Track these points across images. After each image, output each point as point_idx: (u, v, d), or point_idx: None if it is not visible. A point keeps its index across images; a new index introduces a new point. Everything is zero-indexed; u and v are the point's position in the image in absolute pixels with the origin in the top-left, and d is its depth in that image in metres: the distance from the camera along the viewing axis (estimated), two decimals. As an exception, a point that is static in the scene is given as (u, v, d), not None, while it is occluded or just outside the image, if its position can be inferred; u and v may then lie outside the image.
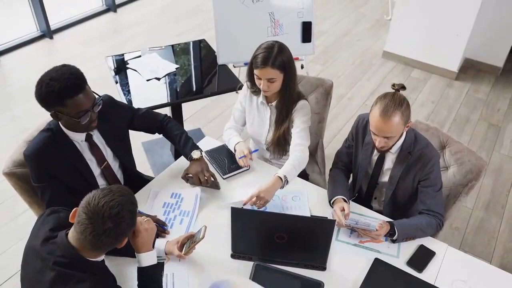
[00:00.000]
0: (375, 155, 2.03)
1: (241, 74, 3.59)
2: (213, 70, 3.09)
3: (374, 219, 1.89)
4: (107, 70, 3.03)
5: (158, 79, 2.85)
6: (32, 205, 1.98)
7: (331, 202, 1.98)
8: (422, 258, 1.81)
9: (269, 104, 2.21)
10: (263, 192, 1.87)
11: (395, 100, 1.77)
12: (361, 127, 2.07)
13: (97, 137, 1.92)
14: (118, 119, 2.01)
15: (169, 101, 2.75)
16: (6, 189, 2.18)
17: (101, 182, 1.98)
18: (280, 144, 2.22)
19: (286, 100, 2.13)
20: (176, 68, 2.95)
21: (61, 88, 1.63)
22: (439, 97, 4.40)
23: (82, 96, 1.68)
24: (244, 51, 3.24)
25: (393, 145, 1.91)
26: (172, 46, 3.24)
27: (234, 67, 3.43)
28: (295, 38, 3.30)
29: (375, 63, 4.90)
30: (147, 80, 2.83)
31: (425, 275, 1.75)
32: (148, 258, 1.52)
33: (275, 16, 3.19)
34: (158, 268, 1.55)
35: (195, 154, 2.05)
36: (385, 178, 2.04)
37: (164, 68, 2.93)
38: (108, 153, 1.98)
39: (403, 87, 1.84)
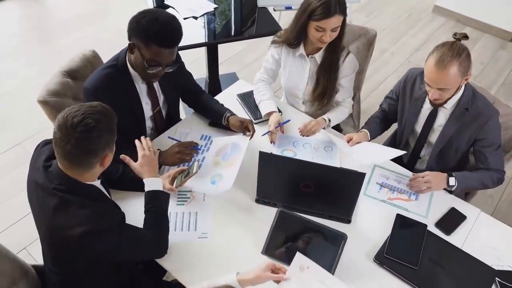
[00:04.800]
0: (427, 110, 1.92)
1: (281, 19, 3.46)
2: (252, 13, 2.98)
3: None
4: (145, 5, 2.98)
5: (196, 18, 2.77)
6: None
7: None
8: (452, 221, 1.75)
9: (309, 56, 2.10)
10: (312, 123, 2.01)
11: (454, 49, 1.66)
12: (409, 82, 1.97)
13: (155, 82, 1.90)
14: (177, 71, 1.93)
15: (206, 41, 2.69)
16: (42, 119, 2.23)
17: (149, 124, 1.99)
18: (323, 96, 2.12)
19: (333, 50, 2.03)
20: (215, 8, 2.86)
21: (159, 32, 1.61)
22: (490, 58, 4.13)
23: (167, 52, 1.66)
24: (286, -6, 3.11)
25: (449, 99, 1.82)
26: (212, -16, 3.13)
27: (274, 10, 3.30)
28: (341, -17, 3.11)
29: (424, 18, 4.63)
30: (184, 19, 2.75)
31: (453, 238, 1.70)
32: (150, 183, 1.57)
33: (322, -42, 3.00)
34: (161, 194, 1.57)
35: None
36: (434, 136, 1.95)
37: (202, 7, 2.85)
38: (161, 99, 1.98)
39: (465, 37, 1.72)
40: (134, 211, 1.61)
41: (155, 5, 2.89)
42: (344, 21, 1.93)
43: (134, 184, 1.70)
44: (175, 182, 1.70)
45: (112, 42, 3.80)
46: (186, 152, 1.85)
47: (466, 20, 4.49)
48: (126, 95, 1.81)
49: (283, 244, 1.54)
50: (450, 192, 1.84)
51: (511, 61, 4.12)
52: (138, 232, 1.48)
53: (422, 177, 1.79)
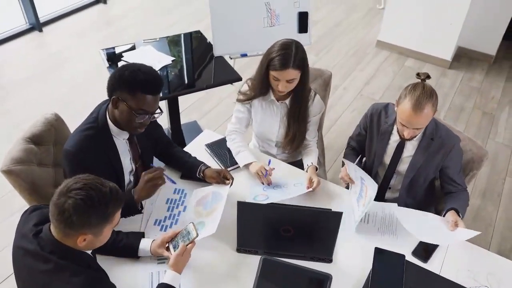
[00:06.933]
0: (394, 142, 2.03)
1: (236, 63, 3.55)
2: (209, 62, 3.05)
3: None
4: (101, 62, 2.98)
5: (154, 72, 2.80)
6: (31, 203, 1.95)
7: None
8: (426, 248, 1.81)
9: (280, 102, 2.18)
10: (316, 178, 2.01)
11: (426, 92, 1.77)
12: (375, 116, 2.07)
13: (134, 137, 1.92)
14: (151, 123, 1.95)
15: (166, 94, 2.70)
16: (2, 185, 2.14)
17: (127, 179, 1.96)
18: (295, 140, 2.20)
19: (300, 96, 2.11)
20: (172, 61, 2.91)
21: (144, 81, 1.67)
22: (434, 85, 4.33)
23: (153, 99, 1.72)
24: (241, 42, 3.22)
25: None
26: (167, 37, 3.19)
27: (231, 58, 3.39)
28: (291, 28, 3.26)
29: (369, 53, 4.89)
30: (143, 73, 2.77)
31: (430, 265, 1.76)
32: (171, 276, 1.53)
33: (271, 6, 3.15)
34: None
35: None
36: (403, 166, 2.04)
37: (160, 61, 2.89)
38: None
39: (428, 77, 1.84)
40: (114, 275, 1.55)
41: (109, 60, 2.89)
42: (304, 73, 2.01)
43: (126, 251, 1.67)
44: (173, 249, 1.64)
45: (64, 98, 3.77)
46: (156, 177, 1.82)
47: (408, 52, 4.79)
48: (106, 154, 1.81)
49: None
50: None
51: (453, 86, 4.41)
52: None
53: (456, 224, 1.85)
